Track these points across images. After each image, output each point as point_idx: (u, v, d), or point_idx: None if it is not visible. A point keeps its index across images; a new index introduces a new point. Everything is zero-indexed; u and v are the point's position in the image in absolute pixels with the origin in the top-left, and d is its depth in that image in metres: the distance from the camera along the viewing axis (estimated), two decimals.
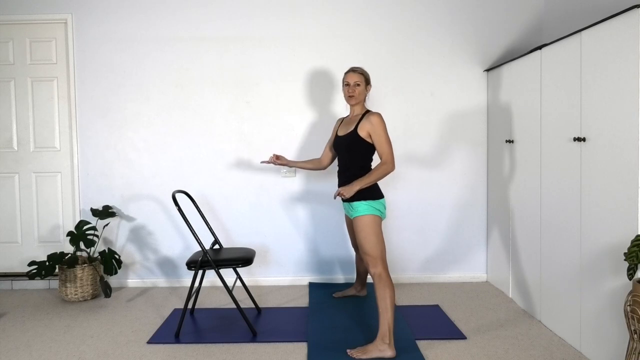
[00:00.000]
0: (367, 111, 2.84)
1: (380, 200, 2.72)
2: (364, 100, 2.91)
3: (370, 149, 2.77)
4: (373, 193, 2.71)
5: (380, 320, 2.57)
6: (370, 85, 2.93)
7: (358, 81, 2.84)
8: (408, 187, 3.92)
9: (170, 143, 3.92)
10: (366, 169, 2.79)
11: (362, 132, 2.74)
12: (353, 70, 2.88)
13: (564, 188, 2.73)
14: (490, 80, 3.82)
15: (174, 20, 3.87)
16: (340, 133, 2.91)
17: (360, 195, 2.68)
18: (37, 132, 4.00)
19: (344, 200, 2.81)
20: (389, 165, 2.67)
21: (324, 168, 3.31)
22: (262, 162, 3.35)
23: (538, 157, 3.02)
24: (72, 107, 3.90)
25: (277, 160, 3.24)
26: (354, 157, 2.79)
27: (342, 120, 3.11)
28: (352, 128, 2.79)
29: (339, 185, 2.90)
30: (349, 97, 2.85)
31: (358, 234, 2.67)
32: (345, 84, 2.86)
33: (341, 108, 3.88)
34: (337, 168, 3.03)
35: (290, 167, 3.33)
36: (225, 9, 3.87)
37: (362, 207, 2.67)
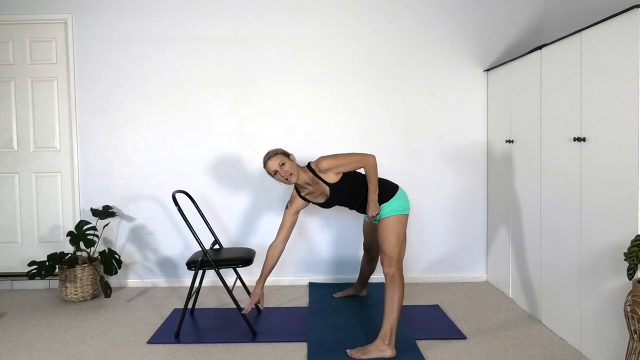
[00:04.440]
0: (310, 167, 2.74)
1: (398, 193, 2.76)
2: (298, 167, 2.73)
3: (350, 175, 2.78)
4: (388, 191, 2.76)
5: (384, 320, 2.57)
6: (292, 155, 2.76)
7: (281, 161, 2.66)
8: (408, 187, 3.92)
9: (170, 143, 3.92)
10: (363, 182, 2.80)
11: (333, 179, 2.72)
12: (268, 157, 2.69)
13: (564, 188, 2.73)
14: (490, 80, 3.82)
15: (174, 20, 3.87)
16: (322, 200, 2.82)
17: (380, 200, 2.73)
18: (37, 132, 4.00)
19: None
20: (370, 163, 2.70)
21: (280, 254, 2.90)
22: (244, 312, 2.85)
23: (538, 157, 3.02)
24: (72, 107, 3.90)
25: (256, 302, 2.83)
26: (354, 192, 2.79)
27: (298, 197, 2.84)
28: (327, 189, 2.75)
29: (359, 210, 2.91)
30: (287, 180, 2.66)
31: (380, 233, 2.69)
32: (274, 173, 2.68)
33: (341, 110, 3.88)
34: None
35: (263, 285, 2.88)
36: (226, 9, 3.87)
37: (386, 210, 2.72)
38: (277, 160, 2.67)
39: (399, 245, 2.65)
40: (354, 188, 2.78)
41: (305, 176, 2.74)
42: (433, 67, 3.89)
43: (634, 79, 2.15)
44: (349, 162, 2.70)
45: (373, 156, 2.72)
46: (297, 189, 2.84)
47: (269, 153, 2.72)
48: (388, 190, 2.77)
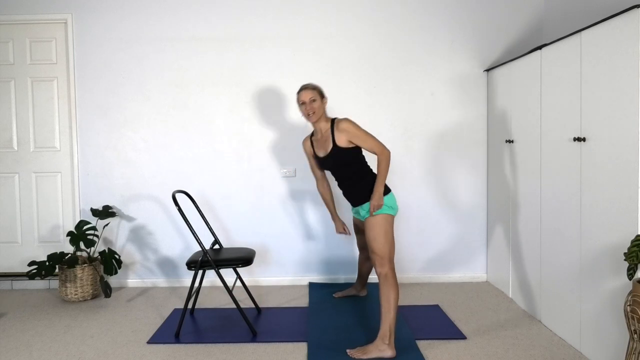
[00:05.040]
0: (334, 120, 2.77)
1: (389, 195, 2.74)
2: (325, 113, 2.83)
3: (358, 151, 2.77)
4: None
5: (382, 320, 2.57)
6: (326, 98, 2.84)
7: (312, 97, 2.74)
8: (408, 187, 3.92)
9: (170, 143, 3.92)
10: (364, 168, 2.81)
11: (342, 143, 2.71)
12: (304, 87, 2.79)
13: (564, 188, 2.73)
14: (490, 80, 3.82)
15: (174, 20, 3.87)
16: (321, 154, 2.84)
17: (369, 196, 2.72)
18: (37, 132, 4.00)
19: (354, 205, 2.85)
20: (385, 155, 2.69)
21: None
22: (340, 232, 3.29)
23: (538, 157, 3.02)
24: (72, 107, 3.90)
25: (345, 230, 3.27)
26: (349, 167, 2.78)
27: (310, 140, 2.98)
28: (330, 145, 2.74)
29: (346, 195, 2.89)
30: (308, 116, 2.75)
31: (368, 233, 2.68)
32: (301, 103, 2.76)
33: (340, 109, 3.88)
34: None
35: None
36: (226, 9, 3.87)
37: None
38: (311, 94, 2.74)
39: (389, 244, 2.64)
40: (352, 165, 2.77)
41: (324, 124, 2.79)
42: (433, 67, 3.89)
43: (634, 79, 2.15)
44: (365, 138, 2.69)
45: (389, 151, 2.72)
46: (313, 133, 2.92)
47: (308, 84, 2.81)
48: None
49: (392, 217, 2.70)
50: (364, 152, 2.90)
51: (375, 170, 2.86)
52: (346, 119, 2.71)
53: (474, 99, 3.91)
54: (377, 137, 2.73)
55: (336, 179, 2.90)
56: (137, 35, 3.87)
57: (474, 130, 3.91)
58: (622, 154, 2.23)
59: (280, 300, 3.58)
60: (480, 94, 3.90)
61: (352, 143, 2.71)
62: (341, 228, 3.26)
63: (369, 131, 2.77)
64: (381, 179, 2.68)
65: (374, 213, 2.71)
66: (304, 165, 3.90)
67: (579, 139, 2.54)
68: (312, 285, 3.86)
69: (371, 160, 3.03)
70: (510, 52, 3.89)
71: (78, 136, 3.91)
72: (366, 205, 2.73)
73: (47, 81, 3.98)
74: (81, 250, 3.68)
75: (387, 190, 2.75)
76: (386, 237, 2.64)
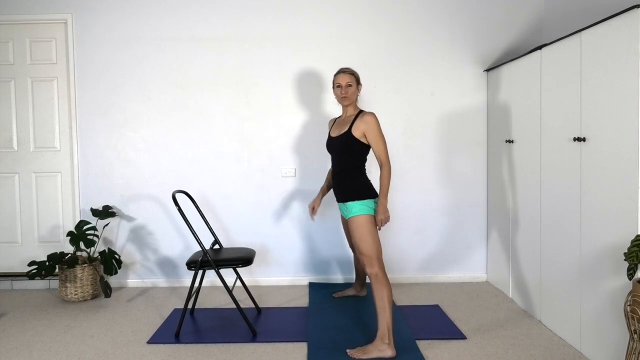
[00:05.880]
0: (361, 111, 2.82)
1: (374, 199, 2.73)
2: (356, 100, 2.89)
3: (364, 149, 2.77)
4: (367, 192, 2.72)
5: (378, 320, 2.57)
6: (361, 85, 2.91)
7: (349, 82, 2.81)
8: (408, 187, 3.92)
9: (170, 143, 3.92)
10: (360, 169, 2.81)
11: (357, 133, 2.73)
12: (343, 71, 2.85)
13: (564, 188, 2.73)
14: (490, 80, 3.82)
15: (174, 20, 3.87)
16: (334, 134, 2.89)
17: (354, 195, 2.71)
18: (37, 132, 4.00)
19: (338, 200, 2.85)
20: (388, 167, 2.69)
21: None
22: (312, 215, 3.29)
23: (538, 157, 3.02)
24: (72, 107, 3.90)
25: (314, 211, 3.25)
26: (349, 158, 2.78)
27: (334, 120, 3.08)
28: (345, 129, 2.78)
29: (335, 187, 2.88)
30: (342, 98, 2.83)
31: (353, 234, 2.68)
32: (337, 86, 2.83)
33: (340, 109, 3.88)
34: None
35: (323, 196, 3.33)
36: (226, 9, 3.87)
37: (357, 207, 2.68)
38: (348, 79, 2.82)
39: (375, 244, 2.64)
40: (353, 158, 2.77)
41: (351, 109, 2.86)
42: (433, 67, 3.89)
43: (634, 79, 2.15)
44: (379, 141, 2.70)
45: (390, 164, 2.73)
46: (341, 115, 2.99)
47: (347, 68, 2.87)
48: (369, 190, 2.74)
49: (374, 217, 2.70)
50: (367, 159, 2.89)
51: (369, 177, 2.85)
52: (373, 114, 2.74)
53: (474, 99, 3.91)
54: (387, 150, 2.74)
55: (332, 166, 2.91)
56: (137, 35, 3.88)
57: (474, 130, 3.91)
58: (622, 154, 2.23)
59: (280, 300, 3.58)
60: (480, 94, 3.90)
61: (365, 138, 2.72)
62: (311, 207, 3.24)
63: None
64: (384, 192, 2.68)
65: (356, 214, 2.68)
66: (304, 165, 3.91)
67: (579, 139, 2.54)
68: (312, 285, 3.86)
69: (371, 167, 3.03)
70: (510, 52, 3.89)
71: (78, 136, 3.91)
72: (349, 205, 2.72)
73: (47, 81, 3.98)
74: (81, 250, 3.68)
75: (374, 194, 2.74)
76: (372, 237, 2.64)
